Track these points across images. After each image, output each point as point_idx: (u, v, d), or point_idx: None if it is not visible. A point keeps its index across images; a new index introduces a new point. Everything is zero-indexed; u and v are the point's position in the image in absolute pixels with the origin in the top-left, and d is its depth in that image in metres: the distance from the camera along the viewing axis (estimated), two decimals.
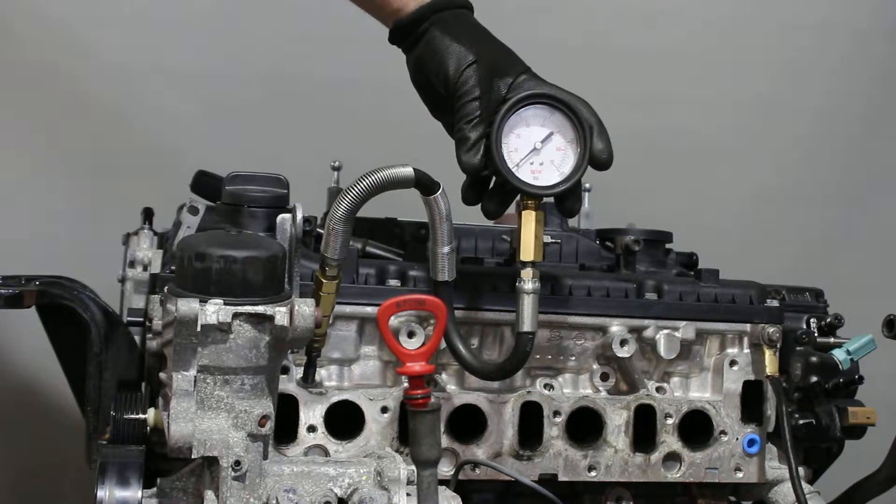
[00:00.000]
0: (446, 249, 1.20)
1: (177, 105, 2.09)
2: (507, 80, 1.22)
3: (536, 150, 1.20)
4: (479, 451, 1.28)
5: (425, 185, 1.16)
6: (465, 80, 1.21)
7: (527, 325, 1.20)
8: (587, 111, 1.22)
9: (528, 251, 1.21)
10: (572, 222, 1.56)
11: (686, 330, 1.34)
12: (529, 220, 1.21)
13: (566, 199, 1.22)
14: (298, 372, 1.24)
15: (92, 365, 1.28)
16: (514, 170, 1.19)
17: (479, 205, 1.25)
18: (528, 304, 1.21)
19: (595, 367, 1.34)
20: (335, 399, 1.25)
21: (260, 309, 1.05)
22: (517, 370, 1.24)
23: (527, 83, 1.22)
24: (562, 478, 1.31)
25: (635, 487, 1.36)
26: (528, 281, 1.21)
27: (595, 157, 1.21)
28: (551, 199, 1.23)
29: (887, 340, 1.33)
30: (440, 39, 1.24)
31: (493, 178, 1.23)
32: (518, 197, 1.23)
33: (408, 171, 1.14)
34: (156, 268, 1.37)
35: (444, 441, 1.25)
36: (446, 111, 1.25)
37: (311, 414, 1.25)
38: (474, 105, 1.20)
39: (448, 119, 1.26)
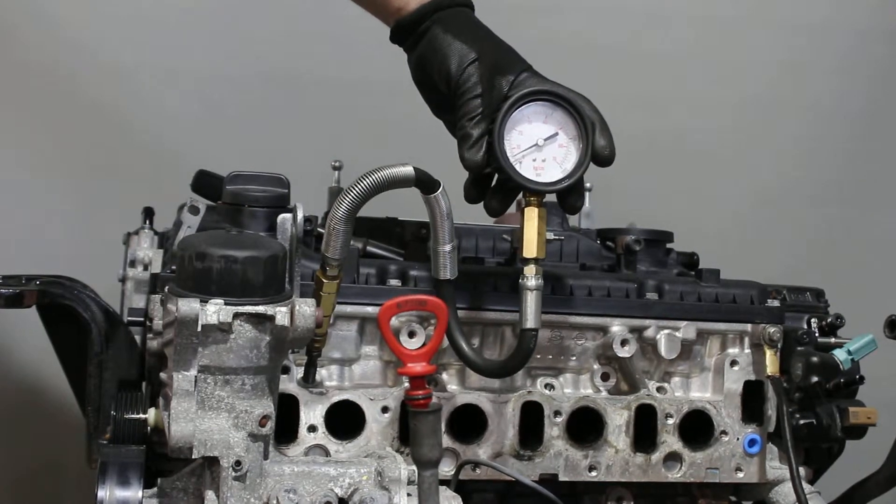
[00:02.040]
0: (447, 248, 1.20)
1: (177, 105, 2.09)
2: (509, 77, 1.22)
3: (539, 146, 1.20)
4: (480, 451, 1.28)
5: (425, 183, 1.16)
6: (467, 77, 1.21)
7: (530, 322, 1.20)
8: (589, 108, 1.22)
9: (531, 248, 1.21)
10: (573, 222, 1.56)
11: (687, 330, 1.34)
12: (532, 216, 1.21)
13: (569, 195, 1.22)
14: (299, 372, 1.24)
15: (92, 365, 1.28)
16: (516, 166, 1.19)
17: (482, 203, 1.25)
18: (531, 301, 1.20)
19: (596, 366, 1.34)
20: (336, 399, 1.25)
21: (261, 309, 1.04)
22: (520, 367, 1.24)
23: (528, 80, 1.22)
24: (562, 478, 1.31)
25: (636, 487, 1.36)
26: (531, 278, 1.20)
27: (597, 153, 1.21)
28: (553, 198, 1.23)
29: (888, 340, 1.33)
30: (442, 37, 1.24)
31: (496, 176, 1.23)
32: (520, 194, 1.23)
33: (408, 169, 1.14)
34: (156, 267, 1.37)
35: (445, 441, 1.25)
36: (448, 109, 1.25)
37: (312, 414, 1.24)
38: (476, 102, 1.20)
39: (450, 117, 1.26)
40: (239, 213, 1.27)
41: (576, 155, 1.21)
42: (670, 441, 1.34)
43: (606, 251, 1.48)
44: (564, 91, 1.21)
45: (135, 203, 1.66)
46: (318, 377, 1.24)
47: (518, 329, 1.24)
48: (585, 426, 1.33)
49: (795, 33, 2.33)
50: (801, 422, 1.37)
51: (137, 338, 1.33)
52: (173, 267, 1.16)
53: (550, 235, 1.26)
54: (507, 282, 1.29)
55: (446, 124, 1.30)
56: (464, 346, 1.22)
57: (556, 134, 1.20)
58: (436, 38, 1.25)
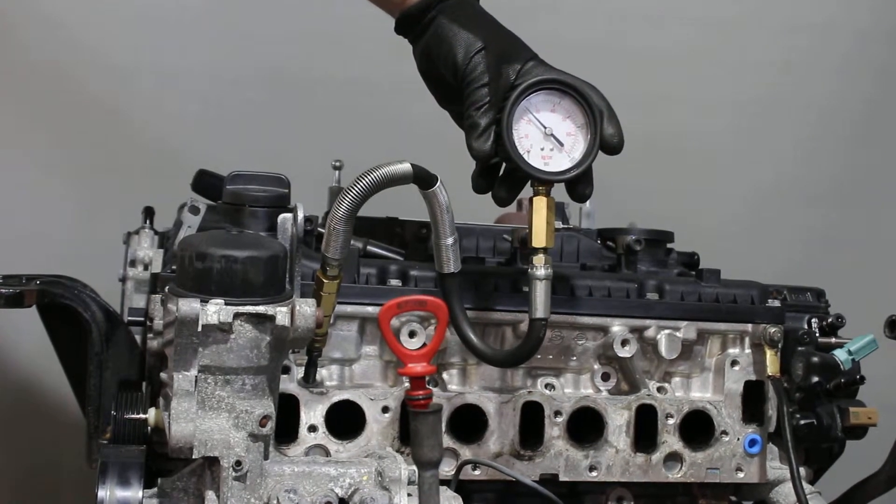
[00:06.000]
0: (450, 241, 1.19)
1: (177, 105, 2.10)
2: (516, 66, 1.21)
3: (547, 135, 1.20)
4: (481, 451, 1.28)
5: (423, 179, 1.15)
6: (474, 66, 1.21)
7: (539, 312, 1.19)
8: (597, 96, 1.21)
9: (539, 237, 1.20)
10: (573, 222, 1.56)
11: (687, 330, 1.34)
12: (541, 206, 1.20)
13: (577, 184, 1.21)
14: (299, 372, 1.24)
15: (93, 364, 1.28)
16: (524, 156, 1.19)
17: (490, 193, 1.24)
18: (540, 290, 1.19)
19: (596, 366, 1.34)
20: (336, 399, 1.25)
21: (261, 309, 1.04)
22: (529, 357, 1.23)
23: (535, 69, 1.21)
24: (563, 478, 1.31)
25: (636, 487, 1.35)
26: (540, 267, 1.19)
27: (606, 141, 1.20)
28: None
29: (889, 341, 1.33)
30: (448, 27, 1.24)
31: (504, 165, 1.23)
32: (528, 184, 1.22)
33: (405, 166, 1.13)
34: (157, 267, 1.37)
35: (445, 441, 1.25)
36: (454, 100, 1.25)
37: (312, 414, 1.24)
38: (483, 91, 1.20)
39: (456, 108, 1.26)
40: (239, 213, 1.27)
41: (584, 143, 1.20)
42: (671, 441, 1.34)
43: (607, 251, 1.48)
44: (572, 79, 1.21)
45: (135, 203, 1.66)
46: (318, 377, 1.24)
47: (518, 328, 1.24)
48: (586, 426, 1.32)
49: (795, 33, 2.33)
50: (802, 422, 1.37)
51: (137, 338, 1.33)
52: (173, 267, 1.16)
53: (559, 224, 1.25)
54: (508, 282, 1.29)
55: (452, 115, 1.30)
56: (471, 336, 1.21)
57: (564, 122, 1.20)
58: (442, 28, 1.24)
